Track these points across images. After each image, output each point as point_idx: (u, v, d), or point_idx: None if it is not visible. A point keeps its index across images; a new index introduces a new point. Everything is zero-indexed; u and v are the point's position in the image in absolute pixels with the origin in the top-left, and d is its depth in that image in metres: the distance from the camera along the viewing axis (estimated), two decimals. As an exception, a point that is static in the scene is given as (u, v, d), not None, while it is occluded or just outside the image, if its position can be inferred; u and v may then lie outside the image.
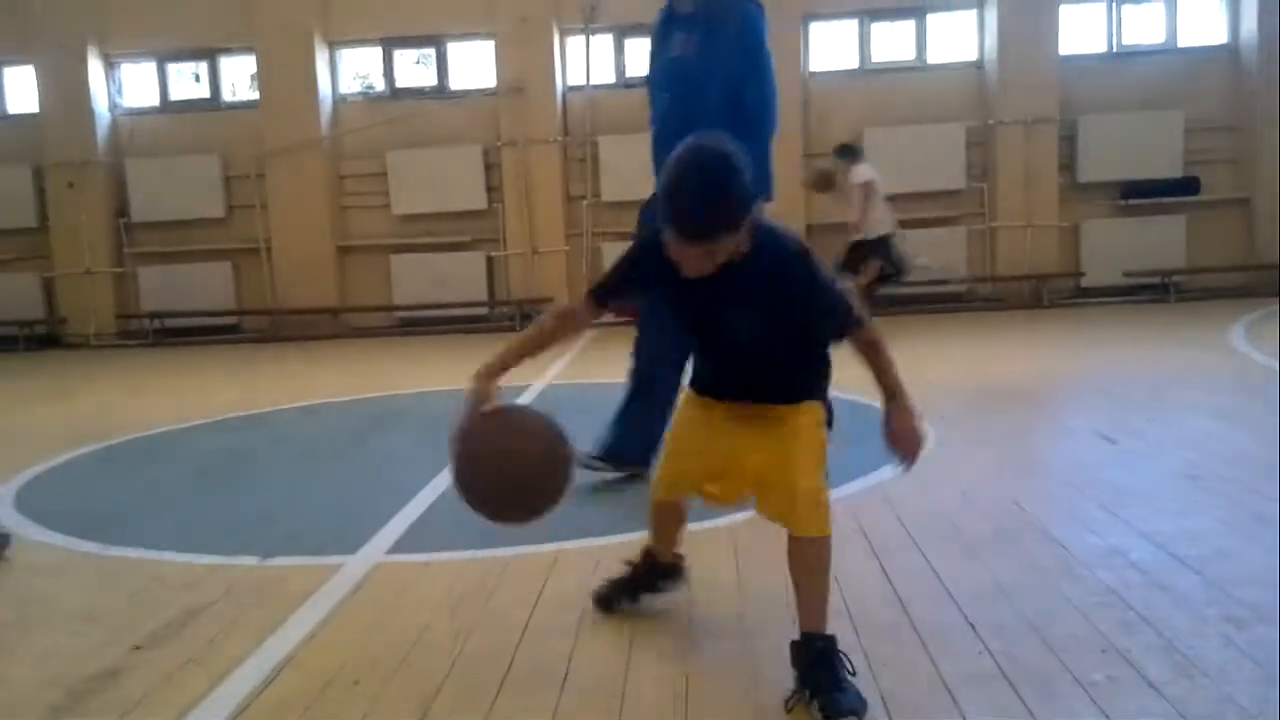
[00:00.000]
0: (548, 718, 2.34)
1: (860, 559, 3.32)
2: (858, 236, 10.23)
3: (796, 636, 2.38)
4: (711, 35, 4.15)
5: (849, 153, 10.68)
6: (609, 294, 2.58)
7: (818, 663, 2.30)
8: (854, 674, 2.33)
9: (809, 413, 2.50)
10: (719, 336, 2.51)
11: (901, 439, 2.52)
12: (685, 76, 4.19)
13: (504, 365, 2.61)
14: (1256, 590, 2.85)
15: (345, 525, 4.07)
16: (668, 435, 2.79)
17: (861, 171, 10.31)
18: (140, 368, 10.95)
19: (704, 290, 2.35)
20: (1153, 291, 12.44)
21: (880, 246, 10.21)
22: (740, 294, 2.34)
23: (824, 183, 10.71)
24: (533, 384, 7.57)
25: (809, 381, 2.54)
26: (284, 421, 6.93)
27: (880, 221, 10.26)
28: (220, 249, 13.31)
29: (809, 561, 2.39)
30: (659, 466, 2.84)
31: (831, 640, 2.34)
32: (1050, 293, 12.60)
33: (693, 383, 2.69)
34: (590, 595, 2.95)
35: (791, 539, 2.39)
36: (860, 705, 2.23)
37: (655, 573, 2.90)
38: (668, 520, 2.84)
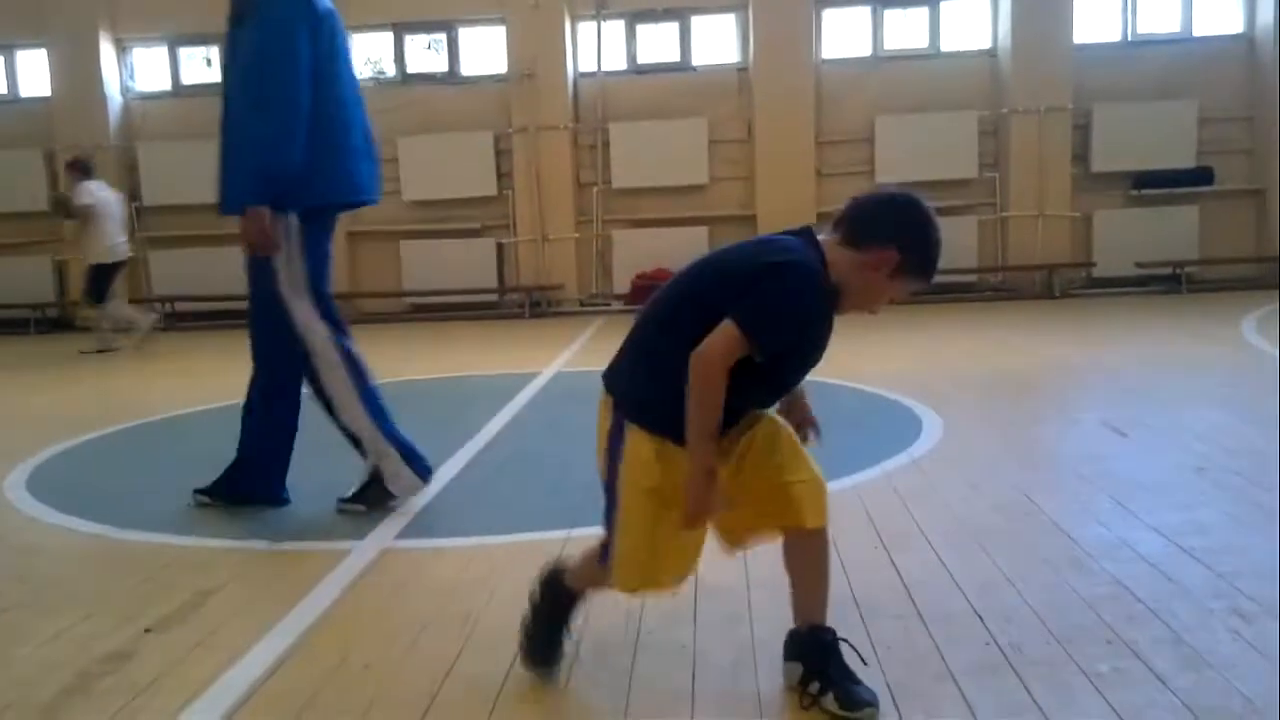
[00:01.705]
0: (556, 701, 2.35)
1: (868, 549, 3.32)
2: (93, 260, 9.87)
3: (796, 627, 2.37)
4: (237, 24, 4.31)
5: (79, 170, 10.01)
6: (779, 343, 2.16)
7: (828, 655, 2.29)
8: (866, 664, 2.34)
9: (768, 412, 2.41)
10: (792, 374, 2.36)
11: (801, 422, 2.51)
12: (223, 65, 4.36)
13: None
14: (1263, 583, 2.85)
15: (354, 511, 4.08)
16: (636, 516, 2.29)
17: (86, 191, 9.82)
18: (151, 352, 10.97)
19: (830, 331, 2.29)
20: (1165, 282, 12.39)
21: (103, 274, 9.80)
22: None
23: (63, 208, 10.14)
24: (542, 371, 7.58)
25: None
26: (294, 406, 6.94)
27: (105, 249, 9.84)
28: (230, 233, 13.07)
29: (818, 553, 2.37)
30: (628, 553, 2.31)
31: (834, 632, 2.34)
32: (1061, 283, 12.56)
33: (659, 428, 2.24)
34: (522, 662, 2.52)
35: (797, 533, 2.34)
36: (874, 697, 2.24)
37: (569, 602, 2.54)
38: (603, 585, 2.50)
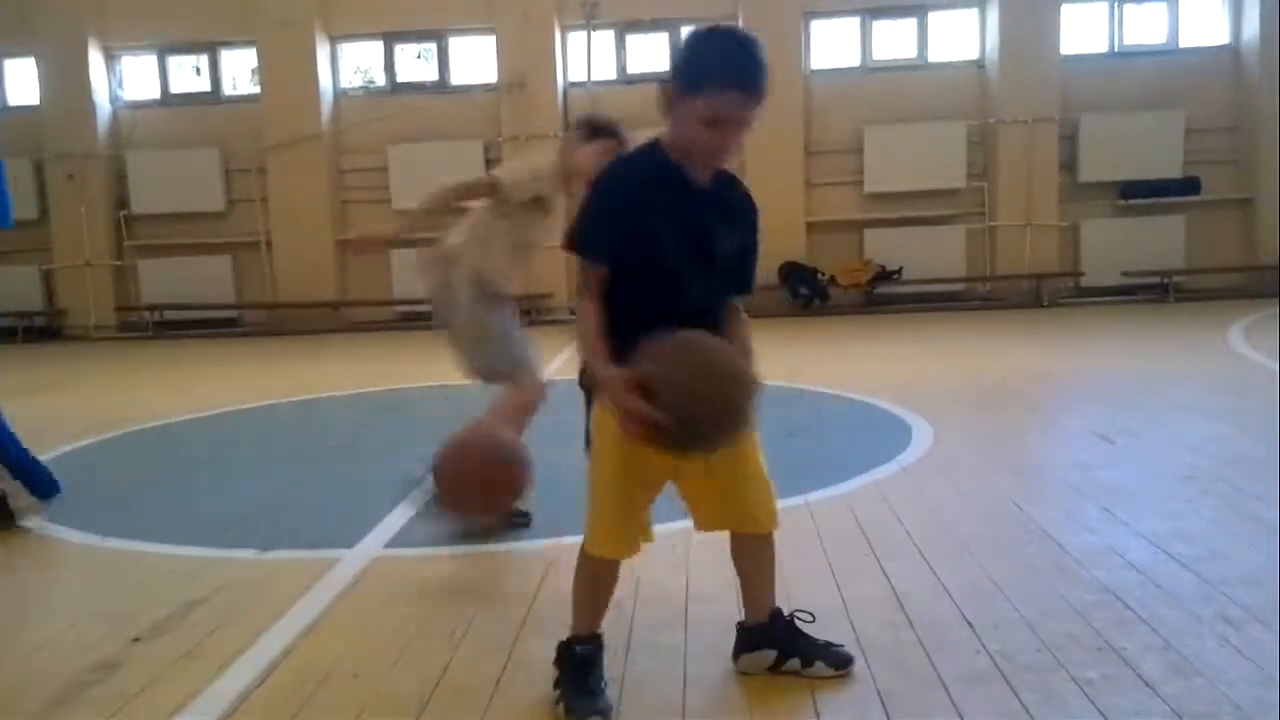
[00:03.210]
0: (547, 711, 2.35)
1: (858, 557, 3.32)
2: None
3: (748, 622, 2.50)
4: None
5: None
6: (608, 242, 2.21)
7: (794, 632, 2.46)
8: (812, 619, 2.52)
9: None
10: (699, 267, 2.25)
11: None
12: None
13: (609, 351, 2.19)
14: (1252, 590, 2.86)
15: (343, 519, 4.08)
16: (600, 471, 2.33)
17: None
18: (139, 361, 10.95)
19: (702, 207, 2.25)
20: (1152, 292, 12.46)
21: None
22: (729, 213, 2.30)
23: None
24: (532, 380, 7.56)
25: None
26: (283, 415, 6.94)
27: None
28: (220, 242, 13.30)
29: (769, 554, 2.50)
30: (601, 518, 2.36)
31: (783, 611, 2.49)
32: (1049, 292, 12.60)
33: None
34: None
35: (749, 537, 2.46)
36: (849, 653, 2.46)
37: (597, 657, 2.41)
38: (611, 584, 2.46)
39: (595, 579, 2.43)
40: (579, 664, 2.37)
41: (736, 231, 2.32)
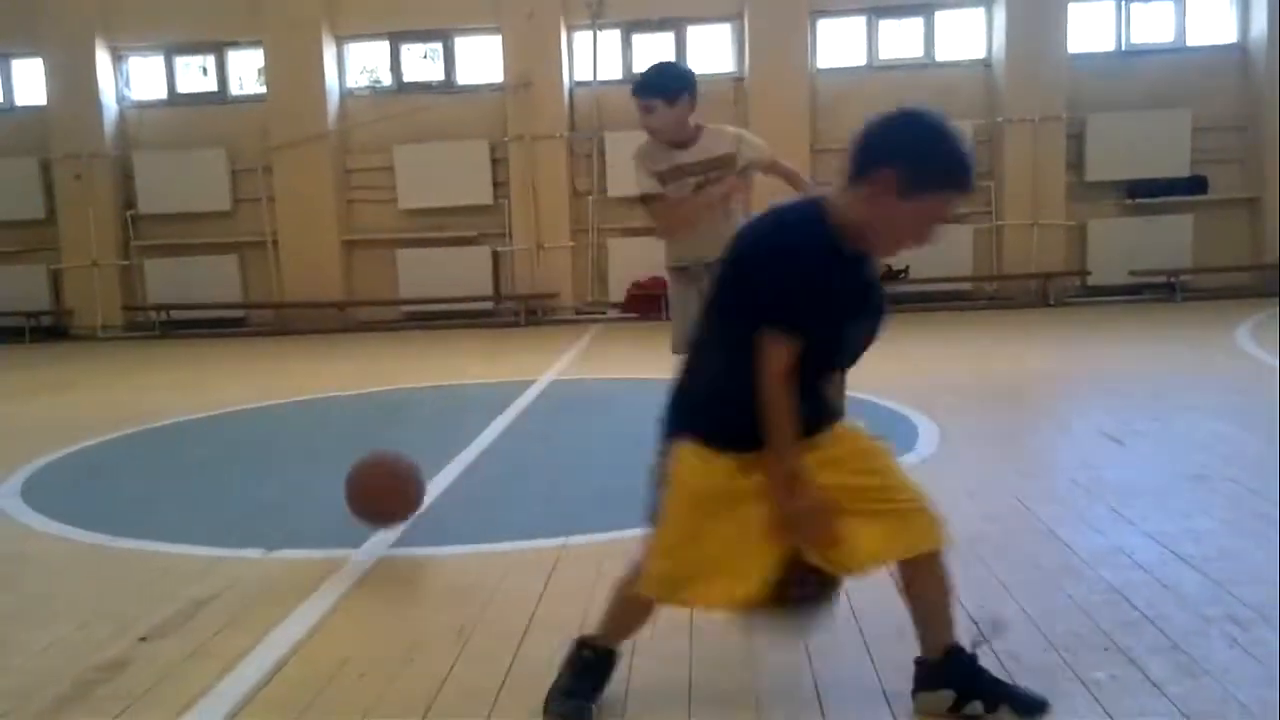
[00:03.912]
0: (551, 712, 2.35)
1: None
2: None
3: (926, 656, 2.28)
4: None
5: None
6: (800, 320, 2.09)
7: (976, 672, 2.23)
8: (986, 641, 2.35)
9: (852, 426, 2.34)
10: (851, 340, 2.23)
11: None
12: None
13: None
14: (1259, 590, 2.85)
15: (350, 519, 4.08)
16: (680, 528, 2.22)
17: None
18: (146, 360, 10.98)
19: (871, 285, 2.20)
20: (1159, 291, 12.42)
21: None
22: (874, 295, 2.24)
23: None
24: (538, 379, 7.58)
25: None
26: (289, 415, 6.95)
27: None
28: (227, 242, 13.33)
29: (945, 572, 2.27)
30: (665, 564, 2.25)
31: (963, 648, 2.26)
32: (1056, 291, 12.58)
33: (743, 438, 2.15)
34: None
35: (922, 559, 2.24)
36: (1039, 693, 2.22)
37: (607, 668, 2.40)
38: (642, 618, 2.41)
39: (632, 606, 2.36)
40: (581, 666, 2.35)
41: (874, 315, 2.25)
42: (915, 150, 2.07)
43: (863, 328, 2.22)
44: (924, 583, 2.27)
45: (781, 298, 2.08)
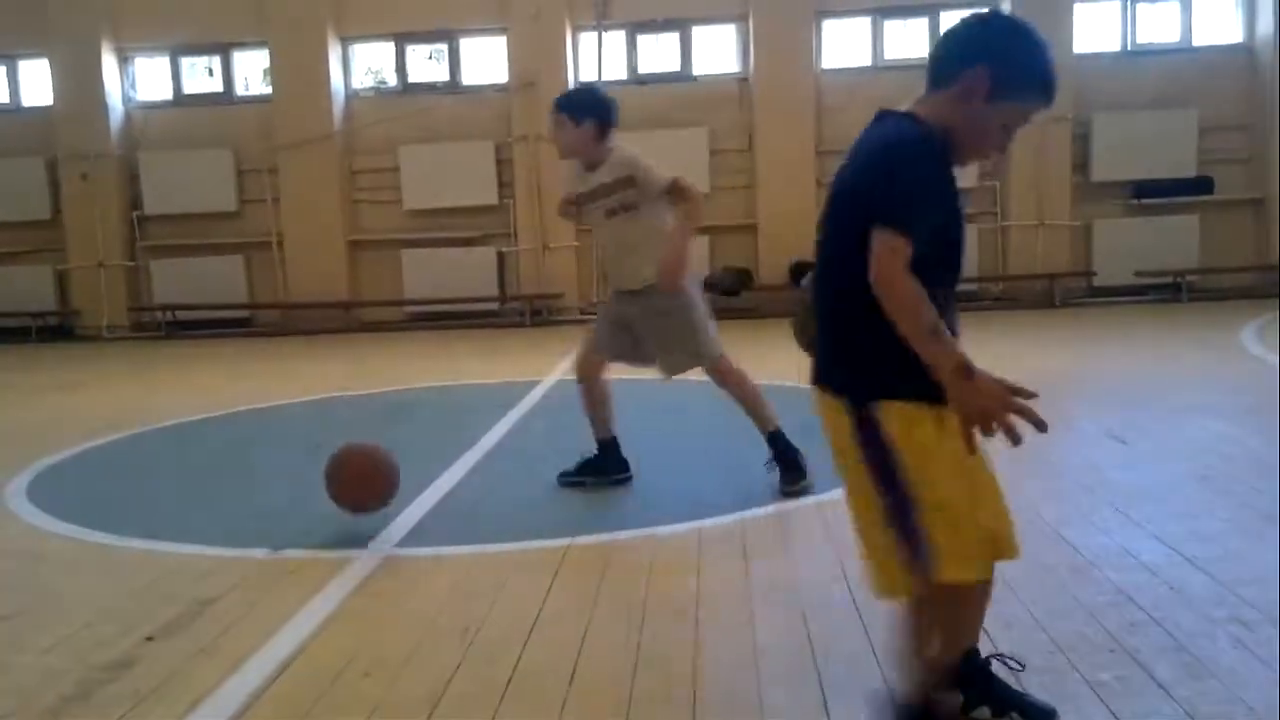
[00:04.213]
0: (557, 711, 2.35)
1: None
2: None
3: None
4: None
5: None
6: (928, 217, 1.98)
7: (986, 677, 2.18)
8: (1023, 668, 2.29)
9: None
10: (961, 247, 2.11)
11: None
12: None
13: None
14: (1266, 591, 2.84)
15: (356, 518, 4.09)
16: (951, 479, 2.05)
17: None
18: (152, 360, 11.00)
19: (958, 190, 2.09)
20: (1165, 291, 12.40)
21: None
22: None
23: None
24: (543, 379, 7.58)
25: None
26: (295, 415, 6.96)
27: None
28: (232, 242, 13.34)
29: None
30: (961, 531, 2.06)
31: (980, 653, 2.20)
32: (1062, 292, 12.56)
33: (910, 390, 1.98)
34: None
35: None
36: (1049, 705, 2.17)
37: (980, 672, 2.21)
38: (978, 607, 2.20)
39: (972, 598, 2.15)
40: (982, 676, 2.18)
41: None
42: (1006, 48, 2.03)
43: (961, 231, 2.11)
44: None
45: (901, 196, 1.95)
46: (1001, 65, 2.00)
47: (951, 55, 2.05)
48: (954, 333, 1.98)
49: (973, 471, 2.04)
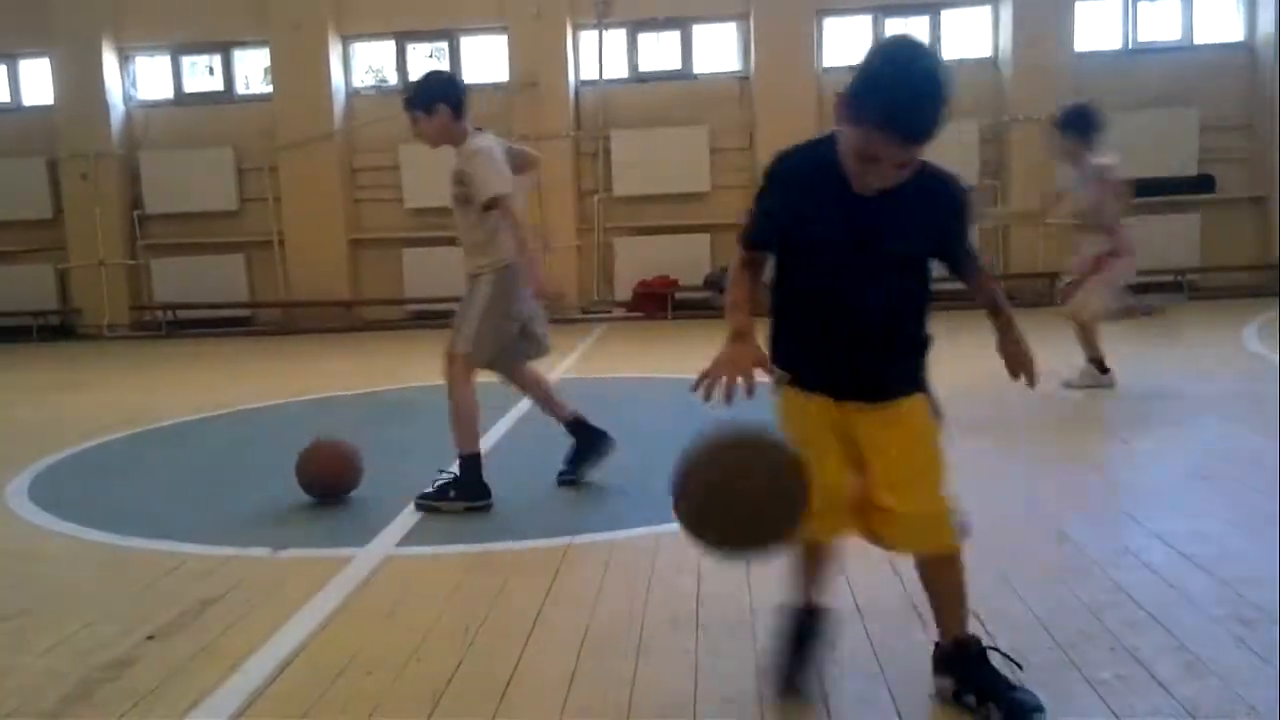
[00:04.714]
0: (557, 710, 2.35)
1: (871, 556, 3.30)
2: None
3: (940, 642, 2.33)
4: None
5: None
6: (762, 230, 2.29)
7: (978, 666, 2.25)
8: (1021, 669, 2.31)
9: (923, 408, 2.36)
10: (861, 275, 2.20)
11: (1015, 360, 2.54)
12: None
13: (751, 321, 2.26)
14: (1266, 590, 2.84)
15: (357, 518, 4.09)
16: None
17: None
18: (153, 359, 11.00)
19: (866, 208, 2.14)
20: (1166, 290, 12.38)
21: None
22: (903, 213, 2.17)
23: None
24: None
25: (919, 360, 2.41)
26: (296, 414, 6.96)
27: None
28: (233, 241, 13.34)
29: (955, 575, 2.30)
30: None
31: (980, 642, 2.29)
32: (1063, 290, 12.53)
33: (792, 378, 2.29)
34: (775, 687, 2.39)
35: (930, 558, 2.30)
36: (1037, 701, 2.17)
37: (815, 624, 2.45)
38: (821, 560, 2.46)
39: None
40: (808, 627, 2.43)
41: (913, 229, 2.21)
42: (859, 74, 2.05)
43: (855, 253, 2.19)
44: (933, 576, 2.33)
45: (754, 203, 2.29)
46: (857, 86, 2.04)
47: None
48: (873, 380, 2.29)
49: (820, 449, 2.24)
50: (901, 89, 1.99)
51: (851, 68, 2.10)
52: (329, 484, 4.30)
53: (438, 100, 4.28)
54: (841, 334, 2.25)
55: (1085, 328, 6.59)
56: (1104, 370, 6.51)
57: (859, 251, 2.19)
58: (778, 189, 2.26)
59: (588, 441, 4.45)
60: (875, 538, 2.30)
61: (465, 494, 4.08)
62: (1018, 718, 2.14)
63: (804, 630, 2.41)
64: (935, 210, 2.24)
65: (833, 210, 2.16)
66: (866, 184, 2.11)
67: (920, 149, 2.08)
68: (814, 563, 2.43)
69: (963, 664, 2.27)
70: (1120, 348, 8.57)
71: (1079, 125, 6.71)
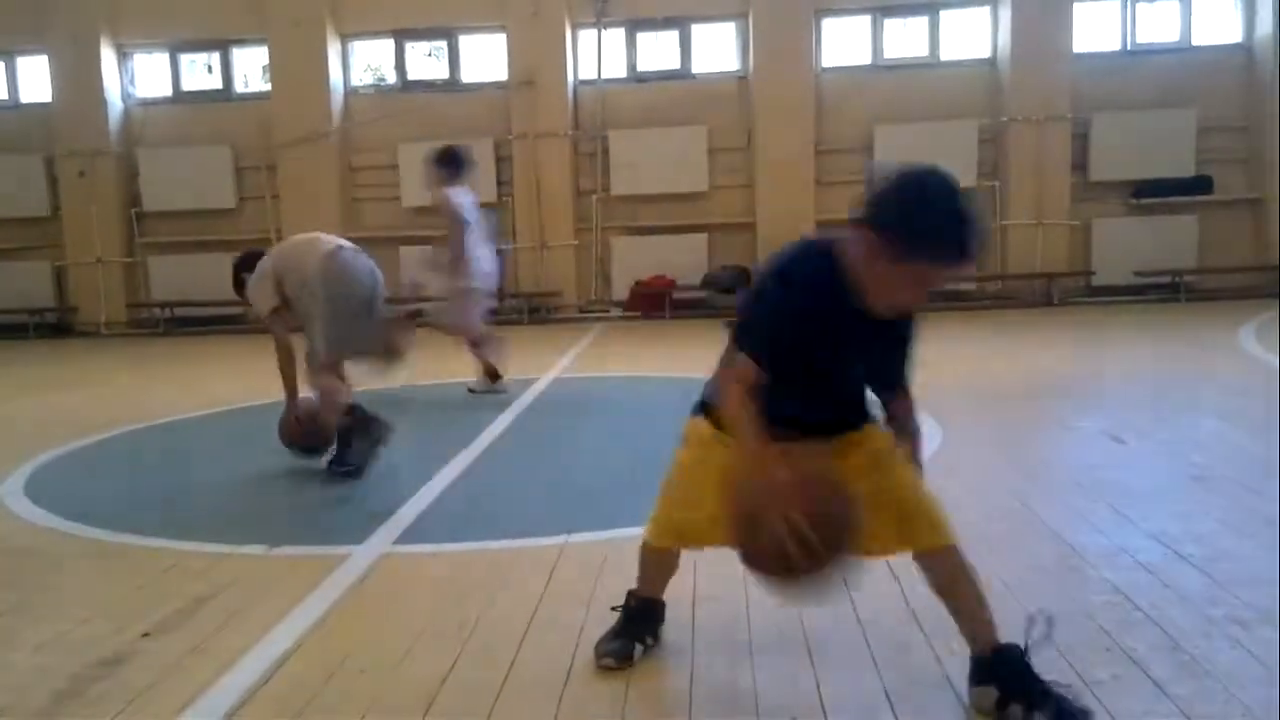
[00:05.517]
0: (553, 709, 2.35)
1: (873, 568, 3.30)
2: None
3: (978, 654, 2.30)
4: None
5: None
6: (773, 344, 2.22)
7: (1023, 674, 2.22)
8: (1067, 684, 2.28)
9: (879, 430, 2.41)
10: (844, 369, 2.31)
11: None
12: None
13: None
14: (1262, 591, 2.84)
15: (352, 515, 4.09)
16: (677, 478, 2.49)
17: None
18: (150, 357, 10.99)
19: (869, 328, 2.21)
20: (1163, 291, 12.40)
21: None
22: (892, 328, 2.25)
23: None
24: (541, 377, 7.57)
25: (867, 407, 2.46)
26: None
27: None
28: (231, 239, 13.30)
29: (963, 569, 2.30)
30: (664, 511, 2.51)
31: (1020, 649, 2.25)
32: (1060, 291, 12.56)
33: (771, 419, 2.24)
34: (602, 657, 2.56)
35: (936, 556, 2.31)
36: (1085, 706, 2.17)
37: (652, 614, 2.67)
38: (666, 565, 2.66)
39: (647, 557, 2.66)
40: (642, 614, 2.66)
41: (894, 344, 2.32)
42: (894, 216, 2.07)
43: (870, 360, 2.32)
44: (943, 584, 2.32)
45: (750, 326, 2.24)
46: (887, 230, 2.06)
47: (866, 207, 2.11)
48: (844, 415, 2.37)
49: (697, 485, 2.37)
50: (959, 220, 2.06)
51: (867, 189, 2.13)
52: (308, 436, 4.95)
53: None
54: (811, 403, 2.32)
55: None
56: None
57: (851, 360, 2.31)
58: (788, 310, 2.20)
59: (355, 431, 4.82)
60: (873, 541, 2.26)
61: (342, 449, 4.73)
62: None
63: (645, 615, 2.64)
64: (907, 325, 2.33)
65: (845, 333, 2.21)
66: (891, 308, 2.18)
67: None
68: (666, 567, 2.65)
69: (1007, 672, 2.22)
70: (1121, 348, 8.59)
71: (448, 163, 7.14)
